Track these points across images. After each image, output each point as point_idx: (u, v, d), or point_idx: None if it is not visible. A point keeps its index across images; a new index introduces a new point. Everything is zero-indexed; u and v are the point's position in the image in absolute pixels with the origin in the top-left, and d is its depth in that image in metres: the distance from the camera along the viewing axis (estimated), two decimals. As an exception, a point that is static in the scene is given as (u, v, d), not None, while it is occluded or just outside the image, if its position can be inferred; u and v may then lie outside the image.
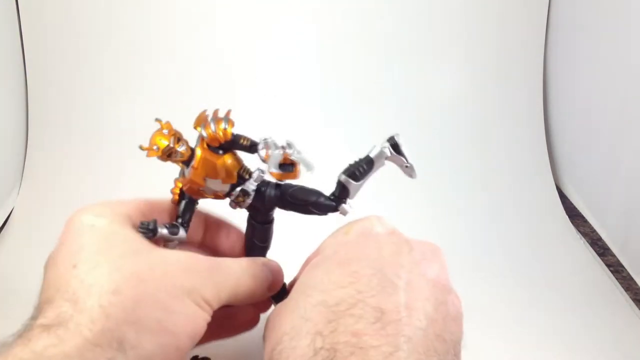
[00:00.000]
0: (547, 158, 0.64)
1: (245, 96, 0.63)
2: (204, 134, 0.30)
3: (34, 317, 0.23)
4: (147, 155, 0.29)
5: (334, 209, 0.31)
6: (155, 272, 0.25)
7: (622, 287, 0.49)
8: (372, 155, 0.30)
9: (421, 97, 0.65)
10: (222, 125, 0.30)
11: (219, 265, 0.28)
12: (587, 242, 0.55)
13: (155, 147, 0.29)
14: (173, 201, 0.32)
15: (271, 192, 0.31)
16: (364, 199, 0.57)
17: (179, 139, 0.30)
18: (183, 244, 0.31)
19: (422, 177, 0.60)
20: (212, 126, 0.30)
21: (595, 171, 0.58)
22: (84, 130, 0.59)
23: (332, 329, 0.24)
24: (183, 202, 0.31)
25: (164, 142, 0.29)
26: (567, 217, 0.58)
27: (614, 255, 0.53)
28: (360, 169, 0.30)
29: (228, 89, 0.63)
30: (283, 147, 0.30)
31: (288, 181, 0.31)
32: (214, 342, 0.36)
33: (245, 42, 0.63)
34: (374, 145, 0.31)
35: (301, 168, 0.30)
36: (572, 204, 0.61)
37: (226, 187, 0.30)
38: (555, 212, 0.59)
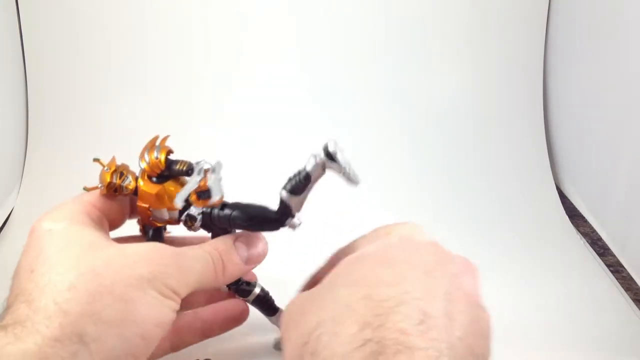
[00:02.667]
0: (547, 158, 0.64)
1: (245, 95, 0.63)
2: (142, 165, 0.30)
3: None
4: (100, 194, 0.30)
5: (281, 225, 0.30)
6: (112, 265, 0.25)
7: (622, 287, 0.49)
8: (308, 168, 0.29)
9: (421, 97, 0.65)
10: (154, 154, 0.30)
11: (183, 252, 0.28)
12: (587, 242, 0.55)
13: (100, 185, 0.30)
14: (140, 231, 0.32)
15: (219, 212, 0.30)
16: (364, 199, 0.57)
17: (121, 173, 0.30)
18: None
19: (422, 177, 0.61)
20: (146, 157, 0.30)
21: (595, 171, 0.58)
22: (84, 131, 0.59)
23: (379, 323, 0.24)
24: (150, 232, 0.32)
25: (107, 179, 0.30)
26: (567, 217, 0.58)
27: (614, 255, 0.53)
28: (300, 184, 0.29)
29: (227, 85, 0.63)
30: (206, 171, 0.30)
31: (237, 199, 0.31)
32: (212, 342, 0.36)
33: (245, 43, 0.63)
34: (310, 155, 0.29)
35: (213, 193, 0.30)
36: (572, 204, 0.61)
37: (175, 214, 0.31)
38: (555, 212, 0.59)
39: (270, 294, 0.36)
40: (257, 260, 0.31)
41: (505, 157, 0.63)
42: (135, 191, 0.31)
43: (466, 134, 0.64)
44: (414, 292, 0.25)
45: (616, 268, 0.51)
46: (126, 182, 0.30)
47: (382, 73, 0.65)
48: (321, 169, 0.29)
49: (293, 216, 0.30)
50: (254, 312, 0.36)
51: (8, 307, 0.24)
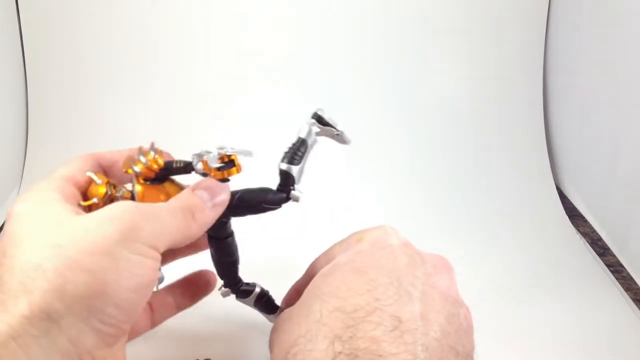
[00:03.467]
0: (547, 158, 0.64)
1: (245, 96, 0.63)
2: (137, 169, 0.30)
3: None
4: (92, 209, 0.29)
5: (286, 199, 0.30)
6: (76, 235, 0.24)
7: (622, 287, 0.49)
8: (302, 135, 0.30)
9: (421, 97, 0.65)
10: (152, 155, 0.30)
11: (151, 206, 0.27)
12: (587, 242, 0.55)
13: (95, 200, 0.29)
14: None
15: None
16: (364, 199, 0.57)
17: (114, 185, 0.30)
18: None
19: (421, 177, 0.61)
20: (143, 159, 0.30)
21: (595, 171, 0.58)
22: (84, 131, 0.59)
23: (350, 335, 0.24)
24: None
25: (101, 191, 0.29)
26: (567, 217, 0.58)
27: (614, 255, 0.53)
28: (298, 153, 0.30)
29: (227, 86, 0.63)
30: (217, 149, 0.29)
31: (233, 188, 0.30)
32: (213, 342, 0.36)
33: (245, 44, 0.63)
34: (301, 125, 0.31)
35: (240, 159, 0.30)
36: (572, 204, 0.61)
37: None
38: (555, 212, 0.59)
39: (270, 293, 0.36)
40: (221, 203, 0.29)
41: (505, 157, 0.63)
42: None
43: (466, 133, 0.64)
44: (385, 299, 0.25)
45: (616, 268, 0.51)
46: (121, 192, 0.30)
47: (382, 73, 0.65)
48: (314, 135, 0.30)
49: (294, 187, 0.30)
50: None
51: None
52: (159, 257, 0.26)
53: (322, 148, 0.31)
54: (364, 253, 0.29)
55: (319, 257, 0.33)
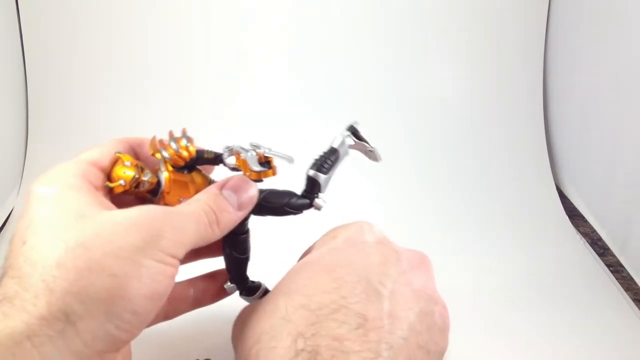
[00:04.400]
0: (547, 158, 0.64)
1: (245, 97, 0.63)
2: (166, 155, 0.29)
3: None
4: (114, 192, 0.29)
5: (309, 206, 0.30)
6: (102, 237, 0.24)
7: (622, 287, 0.49)
8: (335, 145, 0.30)
9: (420, 97, 0.65)
10: (183, 142, 0.30)
11: (174, 211, 0.27)
12: (587, 242, 0.55)
13: (121, 182, 0.28)
14: None
15: None
16: (364, 200, 0.57)
17: (142, 168, 0.29)
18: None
19: (421, 177, 0.61)
20: (174, 145, 0.29)
21: (595, 171, 0.58)
22: (84, 131, 0.59)
23: (314, 332, 0.24)
24: None
25: (129, 174, 0.28)
26: (567, 217, 0.58)
27: (614, 255, 0.53)
28: (328, 162, 0.30)
29: (226, 86, 0.63)
30: (253, 148, 0.29)
31: (260, 185, 0.30)
32: (213, 342, 0.36)
33: (245, 44, 0.63)
34: (335, 135, 0.30)
35: (277, 163, 0.30)
36: (572, 204, 0.61)
37: None
38: (555, 212, 0.59)
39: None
40: (248, 204, 0.29)
41: (505, 157, 0.63)
42: (154, 189, 0.29)
43: (466, 133, 0.64)
44: (351, 297, 0.25)
45: (616, 268, 0.51)
46: (148, 177, 0.29)
47: (382, 72, 0.65)
48: (346, 147, 0.30)
49: (318, 196, 0.30)
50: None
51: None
52: (177, 264, 0.26)
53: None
54: (336, 250, 0.29)
55: (304, 252, 0.32)
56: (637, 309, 0.46)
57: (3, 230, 0.52)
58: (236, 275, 0.34)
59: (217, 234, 0.28)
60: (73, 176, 0.27)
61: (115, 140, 0.30)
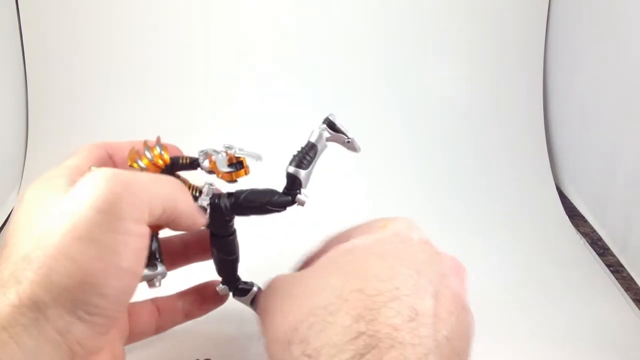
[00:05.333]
0: (547, 158, 0.64)
1: (245, 96, 0.63)
2: (142, 164, 0.30)
3: None
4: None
5: (291, 202, 0.30)
6: (62, 222, 0.23)
7: (622, 287, 0.49)
8: (312, 140, 0.30)
9: (420, 97, 0.65)
10: (157, 151, 0.30)
11: (135, 173, 0.26)
12: (587, 242, 0.55)
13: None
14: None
15: (226, 202, 0.30)
16: (364, 199, 0.57)
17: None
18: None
19: (421, 177, 0.61)
20: (149, 155, 0.30)
21: (595, 171, 0.58)
22: (84, 131, 0.59)
23: (372, 317, 0.24)
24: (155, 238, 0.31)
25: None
26: (567, 217, 0.58)
27: (614, 255, 0.53)
28: (307, 157, 0.30)
29: (227, 85, 0.63)
30: (226, 149, 0.29)
31: (238, 188, 0.31)
32: (213, 342, 0.36)
33: (245, 44, 0.63)
34: (312, 129, 0.30)
35: (249, 162, 0.30)
36: (572, 204, 0.61)
37: None
38: (555, 212, 0.59)
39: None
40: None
41: (505, 157, 0.63)
42: None
43: (466, 133, 0.64)
44: (404, 289, 0.25)
45: (616, 268, 0.51)
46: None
47: (382, 73, 0.65)
48: (324, 140, 0.30)
49: (300, 192, 0.30)
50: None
51: None
52: (146, 232, 0.25)
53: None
54: (385, 241, 0.29)
55: (336, 235, 0.32)
56: (637, 309, 0.46)
57: (3, 230, 0.52)
58: (227, 276, 0.34)
59: (185, 201, 0.27)
60: (55, 177, 0.27)
61: (93, 145, 0.30)
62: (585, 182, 0.60)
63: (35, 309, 0.22)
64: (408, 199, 0.59)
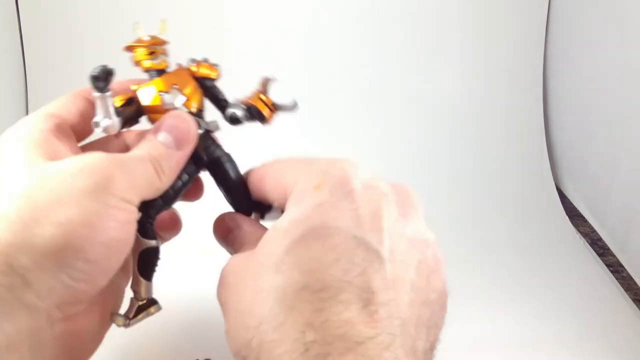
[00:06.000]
0: (547, 158, 0.64)
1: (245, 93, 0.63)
2: (193, 64, 0.30)
3: None
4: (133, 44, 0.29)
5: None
6: (47, 185, 0.22)
7: (622, 287, 0.49)
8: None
9: (420, 97, 0.65)
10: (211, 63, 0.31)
11: (124, 156, 0.25)
12: (587, 242, 0.55)
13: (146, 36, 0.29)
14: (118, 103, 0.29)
15: (214, 145, 0.30)
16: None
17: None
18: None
19: (421, 177, 0.61)
20: (203, 62, 0.31)
21: (595, 171, 0.58)
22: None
23: (323, 320, 0.21)
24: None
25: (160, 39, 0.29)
26: (567, 217, 0.58)
27: (614, 255, 0.53)
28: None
29: (228, 83, 0.63)
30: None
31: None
32: (213, 342, 0.36)
33: (246, 42, 0.63)
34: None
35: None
36: (572, 204, 0.61)
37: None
38: (555, 212, 0.59)
39: None
40: (188, 140, 0.28)
41: (505, 157, 0.63)
42: (162, 70, 0.30)
43: (466, 133, 0.64)
44: (353, 269, 0.22)
45: (616, 268, 0.51)
46: (164, 58, 0.30)
47: (381, 72, 0.65)
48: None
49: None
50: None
51: None
52: (134, 210, 0.25)
53: (320, 147, 0.31)
54: (324, 207, 0.24)
55: (266, 174, 0.28)
56: (637, 309, 0.46)
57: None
58: (241, 200, 0.30)
59: (165, 181, 0.26)
60: (31, 128, 0.26)
61: (71, 94, 0.30)
62: (585, 182, 0.60)
63: (10, 272, 0.21)
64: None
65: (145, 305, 0.28)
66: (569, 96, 0.64)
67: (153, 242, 0.27)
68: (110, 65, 0.26)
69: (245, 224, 0.29)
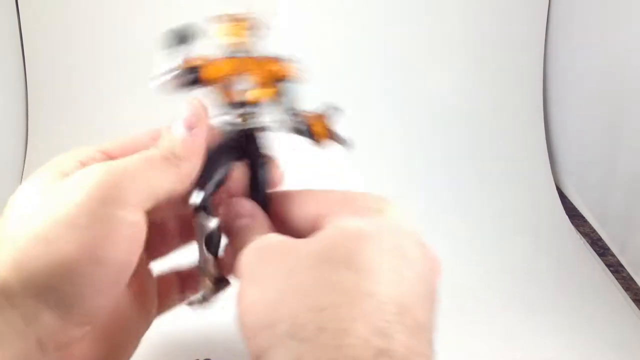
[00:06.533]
0: (547, 158, 0.64)
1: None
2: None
3: None
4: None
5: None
6: (46, 204, 0.21)
7: (622, 287, 0.49)
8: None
9: (419, 97, 0.65)
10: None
11: (125, 164, 0.23)
12: (587, 242, 0.55)
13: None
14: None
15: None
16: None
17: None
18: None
19: (420, 178, 0.61)
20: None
21: (595, 171, 0.58)
22: (84, 130, 0.59)
23: (386, 334, 0.19)
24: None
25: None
26: (567, 217, 0.58)
27: (614, 255, 0.53)
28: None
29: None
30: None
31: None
32: (213, 342, 0.36)
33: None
34: None
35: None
36: (572, 204, 0.61)
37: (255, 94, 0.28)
38: (555, 212, 0.59)
39: None
40: (199, 121, 0.26)
41: (505, 157, 0.63)
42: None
43: (465, 133, 0.64)
44: (412, 296, 0.21)
45: (616, 268, 0.51)
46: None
47: (381, 72, 0.65)
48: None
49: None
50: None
51: None
52: (141, 221, 0.22)
53: (323, 153, 0.31)
54: (389, 233, 0.22)
55: (297, 197, 0.26)
56: (637, 309, 0.46)
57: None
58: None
59: (188, 166, 0.25)
60: (68, 160, 0.24)
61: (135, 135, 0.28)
62: (585, 182, 0.60)
63: (5, 301, 0.20)
64: (407, 199, 0.58)
65: (218, 282, 0.27)
66: (569, 96, 0.64)
67: (214, 221, 0.26)
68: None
69: (260, 215, 0.27)
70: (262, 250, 0.23)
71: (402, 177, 0.61)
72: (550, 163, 0.64)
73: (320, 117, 0.30)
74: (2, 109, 0.56)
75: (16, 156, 0.58)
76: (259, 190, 0.29)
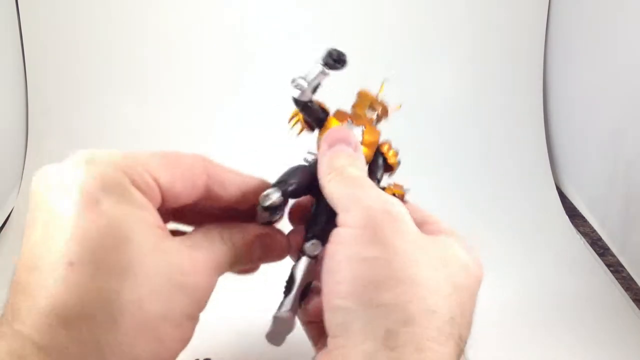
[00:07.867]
0: (547, 158, 0.64)
1: (247, 94, 0.63)
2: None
3: None
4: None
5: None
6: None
7: (622, 287, 0.49)
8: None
9: (420, 97, 0.65)
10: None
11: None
12: (587, 242, 0.55)
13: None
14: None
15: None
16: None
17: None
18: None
19: (421, 178, 0.60)
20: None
21: (595, 171, 0.58)
22: (84, 131, 0.59)
23: (461, 322, 0.25)
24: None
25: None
26: (567, 217, 0.58)
27: (614, 255, 0.53)
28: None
29: (229, 83, 0.63)
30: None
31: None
32: (212, 342, 0.36)
33: (246, 43, 0.63)
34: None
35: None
36: (572, 204, 0.61)
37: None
38: (555, 212, 0.59)
39: None
40: (356, 142, 0.31)
41: (505, 157, 0.63)
42: None
43: (466, 134, 0.64)
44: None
45: (616, 268, 0.51)
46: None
47: (381, 72, 0.65)
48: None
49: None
50: (254, 312, 0.36)
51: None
52: (152, 204, 0.22)
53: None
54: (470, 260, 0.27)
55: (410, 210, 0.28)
56: (637, 309, 0.46)
57: (3, 230, 0.52)
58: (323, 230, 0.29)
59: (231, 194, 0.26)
60: (107, 168, 0.22)
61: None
62: (585, 182, 0.60)
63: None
64: (407, 198, 0.59)
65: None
66: (569, 96, 0.64)
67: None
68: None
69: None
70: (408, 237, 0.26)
71: (399, 176, 0.61)
72: (550, 163, 0.64)
73: (388, 147, 0.34)
74: (2, 110, 0.56)
75: (16, 156, 0.58)
76: (317, 222, 0.30)
